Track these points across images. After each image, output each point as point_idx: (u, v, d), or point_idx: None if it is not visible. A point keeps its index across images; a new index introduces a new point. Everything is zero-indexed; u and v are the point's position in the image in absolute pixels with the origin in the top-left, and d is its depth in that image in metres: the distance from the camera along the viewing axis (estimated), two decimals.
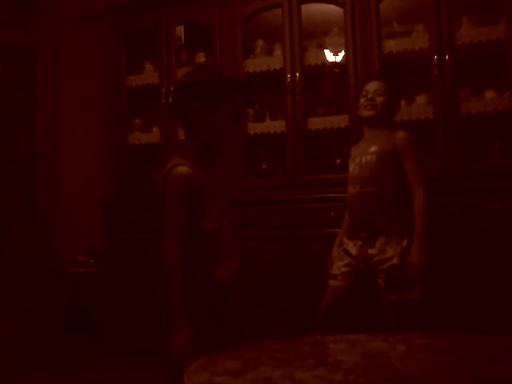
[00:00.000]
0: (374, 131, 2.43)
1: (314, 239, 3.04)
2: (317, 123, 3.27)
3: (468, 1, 3.02)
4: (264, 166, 3.46)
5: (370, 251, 2.30)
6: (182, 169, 1.47)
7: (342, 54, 3.27)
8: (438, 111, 2.96)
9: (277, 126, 3.37)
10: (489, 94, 2.96)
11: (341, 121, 3.23)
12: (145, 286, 3.29)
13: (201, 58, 3.61)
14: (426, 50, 3.02)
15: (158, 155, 3.53)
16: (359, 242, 2.34)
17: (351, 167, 2.47)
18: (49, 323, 3.83)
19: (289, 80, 3.25)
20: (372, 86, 2.43)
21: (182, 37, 3.61)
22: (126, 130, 3.69)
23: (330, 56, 3.31)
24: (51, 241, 4.14)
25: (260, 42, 3.49)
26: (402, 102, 3.13)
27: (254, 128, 3.40)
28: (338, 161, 3.28)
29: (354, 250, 2.35)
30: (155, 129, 3.68)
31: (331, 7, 3.25)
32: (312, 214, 3.07)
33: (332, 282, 2.41)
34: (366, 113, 2.42)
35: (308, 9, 3.28)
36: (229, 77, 1.57)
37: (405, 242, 2.25)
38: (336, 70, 3.42)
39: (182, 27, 3.61)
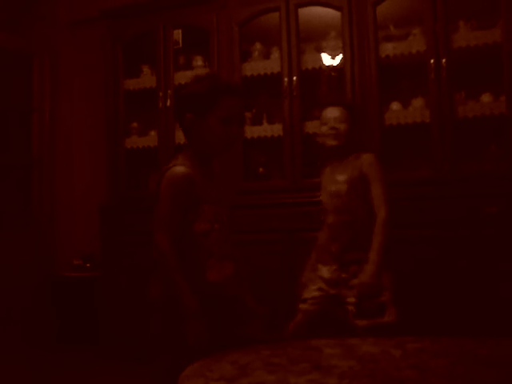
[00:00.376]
0: (339, 159, 2.38)
1: (310, 242, 3.03)
2: (314, 127, 3.27)
3: (464, 5, 3.02)
4: (261, 170, 3.46)
5: (344, 275, 2.27)
6: (180, 168, 1.53)
7: (339, 57, 3.27)
8: (435, 114, 2.96)
9: (274, 129, 3.37)
10: (485, 98, 2.97)
11: None
12: (142, 290, 3.28)
13: (198, 61, 3.61)
14: (423, 54, 3.03)
15: (155, 159, 3.52)
16: (333, 267, 2.30)
17: (323, 196, 2.43)
18: (45, 328, 3.82)
19: (286, 83, 3.25)
20: (332, 113, 2.36)
21: (180, 40, 3.61)
22: (123, 133, 3.69)
23: (327, 59, 3.32)
24: (47, 245, 4.13)
25: (257, 46, 3.49)
26: (399, 106, 3.15)
27: (252, 131, 3.40)
28: None
29: (327, 274, 2.32)
30: (152, 132, 3.68)
31: (328, 11, 3.25)
32: (309, 217, 3.07)
33: (302, 306, 2.37)
34: (330, 142, 2.36)
35: (305, 12, 3.29)
36: (217, 83, 1.60)
37: None
38: (333, 74, 3.42)
39: (180, 31, 3.61)
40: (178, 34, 3.62)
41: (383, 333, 2.04)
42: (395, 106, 3.15)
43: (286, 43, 3.28)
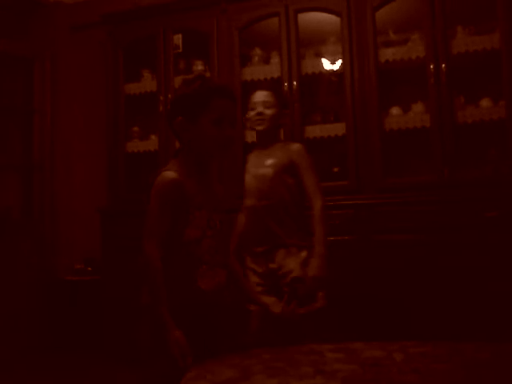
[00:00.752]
0: (267, 143, 2.37)
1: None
2: (314, 131, 3.29)
3: (463, 10, 3.05)
4: None
5: (271, 266, 2.25)
6: (169, 174, 1.50)
7: (338, 62, 3.29)
8: (435, 119, 2.97)
9: None
10: (484, 103, 2.98)
11: (338, 129, 3.24)
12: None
13: (199, 66, 3.63)
14: (422, 59, 3.05)
15: (155, 163, 3.53)
16: (260, 260, 2.27)
17: (247, 179, 2.38)
18: (46, 332, 3.81)
19: (286, 88, 3.26)
20: (260, 97, 2.32)
21: (180, 45, 3.63)
22: (124, 137, 3.70)
23: (327, 64, 3.33)
24: (49, 249, 4.13)
25: (257, 51, 3.51)
26: (399, 110, 3.17)
27: (252, 136, 3.41)
28: (335, 169, 3.30)
29: (257, 268, 2.28)
30: (153, 137, 3.69)
31: (328, 16, 3.27)
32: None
33: (250, 306, 2.27)
34: (257, 127, 2.35)
35: (305, 18, 3.30)
36: (208, 85, 1.55)
37: (303, 254, 2.21)
38: (333, 79, 3.44)
39: (180, 35, 3.63)
40: (178, 39, 3.63)
41: (317, 317, 2.10)
42: (395, 110, 3.16)
43: (285, 48, 3.29)
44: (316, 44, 3.43)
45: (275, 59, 3.42)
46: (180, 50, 3.62)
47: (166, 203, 1.47)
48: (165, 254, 1.45)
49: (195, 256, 1.48)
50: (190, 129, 1.54)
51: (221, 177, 3.33)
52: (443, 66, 2.95)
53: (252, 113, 2.34)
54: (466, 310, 2.71)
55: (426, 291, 2.79)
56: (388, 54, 3.15)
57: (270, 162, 2.31)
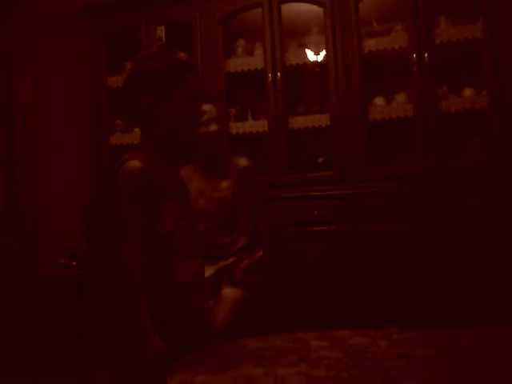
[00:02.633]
0: (215, 162, 2.25)
1: (297, 237, 3.06)
2: (298, 122, 3.29)
3: (445, 1, 3.06)
4: None
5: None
6: (133, 163, 1.37)
7: (322, 53, 3.29)
8: (418, 109, 2.99)
9: (259, 125, 3.38)
10: (467, 92, 3.01)
11: (322, 120, 3.24)
12: None
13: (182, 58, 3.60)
14: (405, 49, 3.06)
15: None
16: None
17: (201, 202, 2.20)
18: (31, 327, 3.78)
19: (270, 79, 3.26)
20: (206, 112, 2.11)
21: (163, 37, 3.60)
22: (108, 130, 3.67)
23: (310, 55, 3.33)
24: (32, 244, 4.09)
25: (241, 42, 3.49)
26: (382, 101, 3.18)
27: (237, 127, 3.41)
28: (320, 159, 3.30)
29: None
30: (136, 129, 3.66)
31: (311, 7, 3.26)
32: (295, 212, 3.09)
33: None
34: (213, 145, 2.19)
35: (288, 8, 3.29)
36: (177, 60, 1.43)
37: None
38: (317, 70, 3.44)
39: (163, 27, 3.59)
40: (161, 31, 3.60)
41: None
42: (379, 100, 3.18)
43: (269, 39, 3.28)
44: (300, 35, 3.42)
45: (259, 50, 3.41)
46: (163, 42, 3.58)
47: (138, 197, 1.35)
48: (145, 251, 1.36)
49: (171, 248, 1.40)
50: (160, 108, 1.41)
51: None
52: (426, 55, 2.97)
53: (201, 129, 2.12)
54: (451, 296, 2.74)
55: (412, 279, 2.82)
56: (371, 44, 3.15)
57: (226, 184, 2.21)
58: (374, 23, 3.29)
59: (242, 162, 2.25)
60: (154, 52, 1.48)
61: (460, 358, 1.21)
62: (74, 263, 3.86)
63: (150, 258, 1.37)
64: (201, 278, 1.52)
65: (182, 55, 1.46)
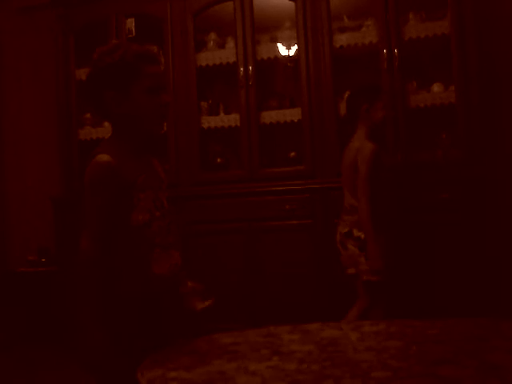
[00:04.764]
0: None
1: (269, 231, 3.07)
2: (270, 117, 3.29)
3: None
4: (219, 160, 3.45)
5: None
6: (101, 157, 1.37)
7: (294, 47, 3.29)
8: (388, 104, 3.02)
9: (231, 119, 3.37)
10: (436, 88, 3.06)
11: (294, 114, 3.26)
12: None
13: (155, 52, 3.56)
14: (376, 44, 3.09)
15: None
16: None
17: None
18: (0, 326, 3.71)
19: (242, 73, 3.25)
20: None
21: (133, 30, 3.55)
22: (76, 124, 3.60)
23: (282, 50, 3.33)
24: None
25: (212, 36, 3.47)
26: None
27: (208, 121, 3.39)
28: (291, 154, 3.32)
29: None
30: (107, 123, 3.60)
31: (283, 1, 3.26)
32: (267, 206, 3.10)
33: None
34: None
35: (260, 2, 3.29)
36: (134, 51, 1.41)
37: None
38: (289, 64, 3.45)
39: (133, 20, 3.54)
40: (131, 23, 3.55)
41: None
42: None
43: (241, 33, 3.27)
44: (271, 29, 3.43)
45: (230, 44, 3.40)
46: (133, 35, 3.53)
47: (102, 190, 1.35)
48: (111, 244, 1.37)
49: (146, 240, 1.39)
50: (122, 103, 1.39)
51: (177, 162, 3.31)
52: (396, 51, 3.01)
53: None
54: (421, 288, 2.80)
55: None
56: (343, 39, 3.18)
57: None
58: (345, 18, 3.31)
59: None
60: (112, 45, 1.44)
61: (428, 348, 1.24)
62: (44, 260, 3.79)
63: (125, 251, 1.38)
64: (179, 269, 1.46)
65: (140, 46, 1.44)
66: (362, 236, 2.47)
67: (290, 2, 3.23)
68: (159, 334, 1.41)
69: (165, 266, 1.42)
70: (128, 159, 1.40)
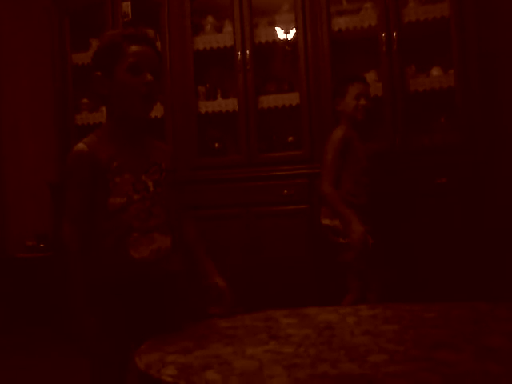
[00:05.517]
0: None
1: (267, 216, 3.07)
2: (268, 101, 3.27)
3: None
4: (216, 145, 3.44)
5: None
6: (77, 146, 1.42)
7: (292, 31, 3.26)
8: (387, 88, 3.01)
9: (229, 104, 3.34)
10: (435, 71, 3.04)
11: (292, 98, 3.23)
12: None
13: (150, 35, 3.52)
14: (374, 28, 3.06)
15: None
16: None
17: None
18: None
19: (239, 57, 3.22)
20: None
21: (129, 13, 3.51)
22: (73, 109, 3.58)
23: (280, 33, 3.30)
24: None
25: (210, 19, 3.44)
26: None
27: (206, 106, 3.37)
28: (290, 138, 3.30)
29: None
30: (103, 108, 3.58)
31: None
32: (265, 191, 3.09)
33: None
34: (361, 117, 2.62)
35: None
36: (119, 33, 1.44)
37: None
38: (287, 48, 3.41)
39: (129, 3, 3.50)
40: (127, 6, 3.51)
41: None
42: None
43: (238, 16, 3.24)
44: (269, 13, 3.38)
45: (228, 28, 3.36)
46: (129, 18, 3.49)
47: (73, 178, 1.40)
48: (88, 228, 1.38)
49: (123, 224, 1.38)
50: (108, 84, 1.42)
51: (175, 147, 3.29)
52: (394, 34, 2.98)
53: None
54: (418, 272, 2.81)
55: (380, 256, 2.86)
56: (341, 22, 3.14)
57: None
58: (344, 1, 3.27)
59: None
60: (114, 30, 1.48)
61: (424, 331, 1.24)
62: (42, 245, 3.80)
63: (102, 235, 1.39)
64: (166, 253, 1.43)
65: (131, 28, 1.46)
66: (337, 224, 2.51)
67: None
68: (148, 318, 1.40)
69: (145, 251, 1.40)
70: (110, 143, 1.42)
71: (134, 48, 1.40)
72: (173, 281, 1.48)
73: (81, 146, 1.41)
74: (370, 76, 3.15)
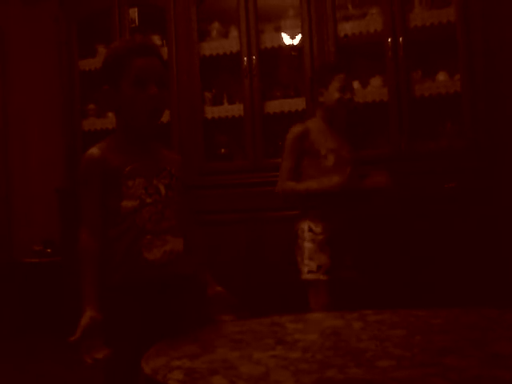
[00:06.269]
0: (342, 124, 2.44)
1: (273, 222, 3.07)
2: (274, 106, 3.28)
3: None
4: (223, 150, 3.45)
5: None
6: (89, 151, 1.44)
7: (298, 36, 3.27)
8: (393, 93, 3.01)
9: (235, 109, 3.35)
10: (441, 76, 3.04)
11: (298, 104, 3.24)
12: None
13: (156, 41, 3.54)
14: (380, 33, 3.06)
15: None
16: None
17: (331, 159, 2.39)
18: (4, 316, 3.73)
19: (245, 63, 3.23)
20: None
21: (136, 19, 3.54)
22: (80, 115, 3.60)
23: (286, 39, 3.31)
24: (4, 230, 4.02)
25: (216, 25, 3.45)
26: (357, 85, 3.18)
27: (212, 112, 3.38)
28: None
29: None
30: (110, 114, 3.60)
31: None
32: (271, 197, 3.08)
33: None
34: (345, 111, 2.48)
35: None
36: (125, 46, 1.45)
37: None
38: (293, 53, 3.42)
39: (136, 9, 3.54)
40: (134, 13, 3.54)
41: None
42: (354, 84, 3.15)
43: (244, 22, 3.25)
44: (275, 18, 3.40)
45: (234, 33, 3.38)
46: (136, 25, 3.53)
47: (87, 183, 1.42)
48: (104, 232, 1.40)
49: (136, 227, 1.40)
50: (115, 96, 1.43)
51: (182, 153, 3.30)
52: (401, 39, 2.98)
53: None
54: (424, 278, 2.79)
55: (389, 262, 2.85)
56: (347, 28, 3.15)
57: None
58: (350, 7, 3.28)
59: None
60: (121, 40, 1.50)
61: (432, 337, 1.24)
62: (49, 250, 3.81)
63: (115, 238, 1.41)
64: (179, 255, 1.45)
65: (137, 39, 1.48)
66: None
67: None
68: (161, 320, 1.41)
69: (158, 252, 1.41)
70: (121, 149, 1.44)
71: (138, 61, 1.41)
72: (184, 283, 1.49)
73: (93, 151, 1.43)
74: (376, 81, 3.15)
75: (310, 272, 2.33)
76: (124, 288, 1.40)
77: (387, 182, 2.37)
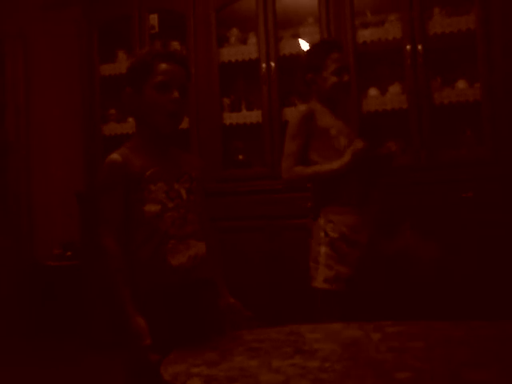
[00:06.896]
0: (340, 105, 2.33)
1: (291, 229, 3.07)
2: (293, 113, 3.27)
3: None
4: (241, 157, 3.46)
5: None
6: (110, 157, 1.45)
7: None
8: (412, 101, 2.99)
9: (253, 116, 3.36)
10: (460, 84, 3.01)
11: None
12: None
13: (175, 46, 3.58)
14: (399, 40, 3.05)
15: None
16: None
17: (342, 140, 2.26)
18: (25, 318, 3.78)
19: (264, 70, 3.24)
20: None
21: (156, 25, 3.57)
22: (101, 120, 3.65)
23: (304, 45, 3.32)
24: (25, 234, 4.08)
25: (234, 31, 3.48)
26: (377, 92, 3.17)
27: (230, 118, 3.40)
28: None
29: None
30: (131, 119, 3.64)
31: None
32: (290, 204, 3.09)
33: None
34: (344, 94, 2.34)
35: None
36: (151, 52, 1.50)
37: None
38: None
39: (156, 15, 3.57)
40: (154, 19, 3.57)
41: None
42: (373, 92, 3.17)
43: (263, 28, 3.26)
44: (294, 25, 3.41)
45: (252, 40, 3.39)
46: (156, 31, 3.56)
47: (108, 188, 1.43)
48: (127, 236, 1.41)
49: (159, 232, 1.41)
50: (137, 99, 1.47)
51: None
52: (420, 47, 2.97)
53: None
54: (442, 289, 2.77)
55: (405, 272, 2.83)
56: (366, 35, 3.14)
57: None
58: (368, 14, 3.27)
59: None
60: (146, 48, 1.54)
61: (452, 350, 1.23)
62: (69, 253, 3.86)
63: (139, 243, 1.41)
64: (202, 259, 1.46)
65: (166, 47, 1.53)
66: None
67: None
68: (184, 325, 1.42)
69: (182, 257, 1.42)
70: (141, 154, 1.46)
71: (163, 66, 1.45)
72: (206, 287, 1.50)
73: (114, 156, 1.45)
74: (395, 88, 3.14)
75: (326, 281, 2.13)
76: (150, 294, 1.41)
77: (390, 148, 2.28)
